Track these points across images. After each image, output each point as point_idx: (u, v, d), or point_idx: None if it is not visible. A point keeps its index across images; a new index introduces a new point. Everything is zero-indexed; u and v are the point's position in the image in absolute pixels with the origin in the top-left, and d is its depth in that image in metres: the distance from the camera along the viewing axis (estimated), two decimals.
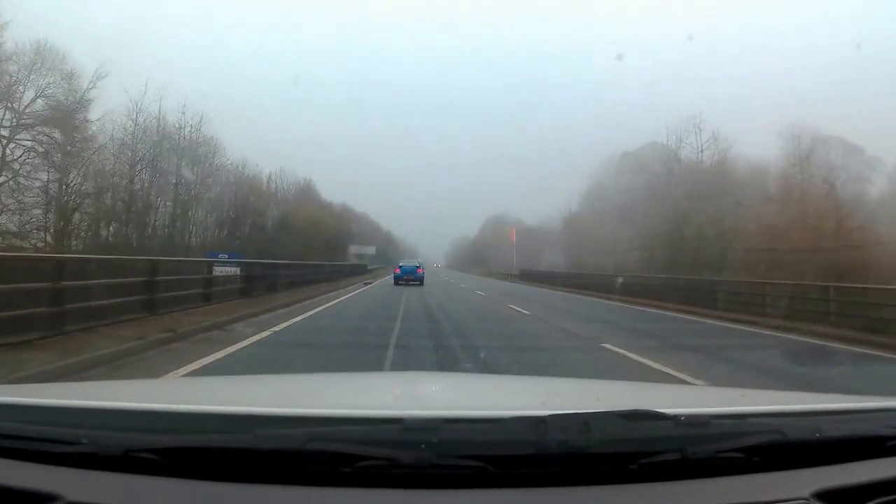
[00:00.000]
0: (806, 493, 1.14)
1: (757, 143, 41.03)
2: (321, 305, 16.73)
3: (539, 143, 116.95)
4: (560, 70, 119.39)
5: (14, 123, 31.78)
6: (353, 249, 68.88)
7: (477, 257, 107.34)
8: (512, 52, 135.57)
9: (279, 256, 30.07)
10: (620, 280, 25.96)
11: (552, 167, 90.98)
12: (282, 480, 1.14)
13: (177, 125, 40.31)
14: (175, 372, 6.51)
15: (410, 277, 33.54)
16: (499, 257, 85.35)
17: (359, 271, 48.05)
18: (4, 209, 30.36)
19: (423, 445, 1.15)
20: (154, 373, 6.40)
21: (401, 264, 37.56)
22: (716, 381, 6.52)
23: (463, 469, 1.15)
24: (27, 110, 32.27)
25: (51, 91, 32.93)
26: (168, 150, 39.49)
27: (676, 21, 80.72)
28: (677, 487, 1.17)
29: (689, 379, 6.67)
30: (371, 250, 74.68)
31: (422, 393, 2.29)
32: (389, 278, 38.92)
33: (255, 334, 9.92)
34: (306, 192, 62.18)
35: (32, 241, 30.93)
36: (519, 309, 17.86)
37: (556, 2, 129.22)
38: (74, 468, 1.16)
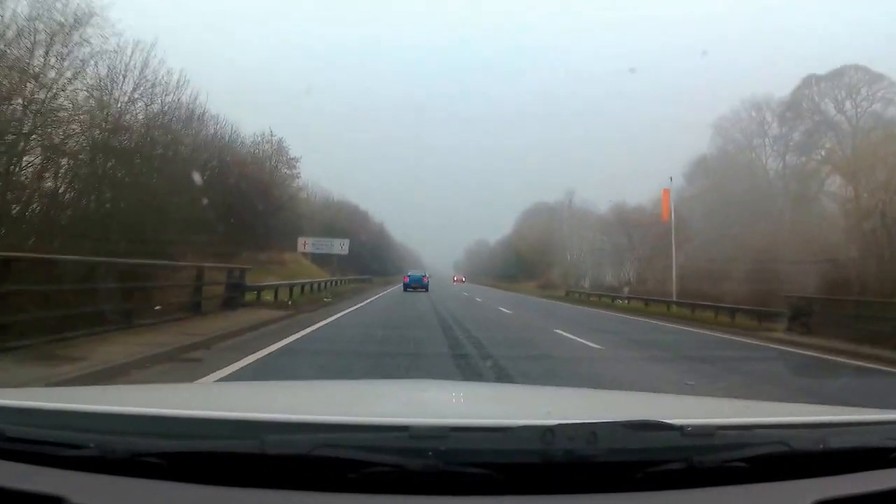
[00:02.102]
0: (808, 502, 1.15)
1: None
2: None
3: (569, 128, 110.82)
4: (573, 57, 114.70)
5: None
6: (307, 244, 41.68)
7: (518, 265, 70.60)
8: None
9: None
10: None
11: (593, 152, 77.91)
12: (289, 486, 1.14)
13: None
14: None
15: (417, 285, 40.25)
16: (572, 263, 55.37)
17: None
18: None
19: (430, 453, 1.15)
20: None
21: (409, 273, 44.45)
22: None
23: (470, 476, 1.15)
24: None
25: None
26: None
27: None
28: (682, 496, 1.18)
29: None
30: (341, 247, 43.72)
31: (429, 401, 2.28)
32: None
33: None
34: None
35: None
36: None
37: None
38: (82, 472, 1.16)
